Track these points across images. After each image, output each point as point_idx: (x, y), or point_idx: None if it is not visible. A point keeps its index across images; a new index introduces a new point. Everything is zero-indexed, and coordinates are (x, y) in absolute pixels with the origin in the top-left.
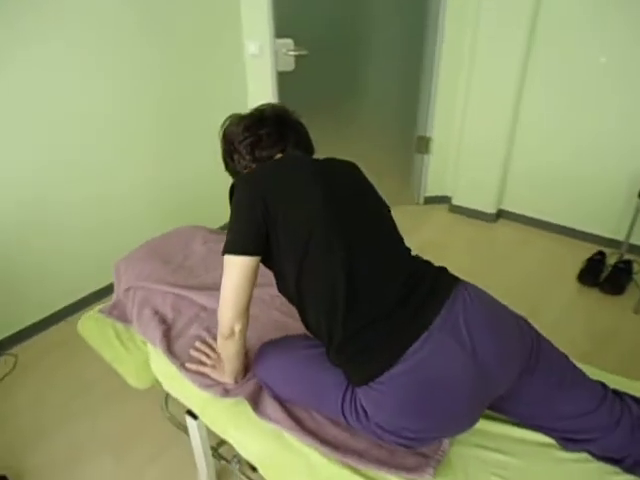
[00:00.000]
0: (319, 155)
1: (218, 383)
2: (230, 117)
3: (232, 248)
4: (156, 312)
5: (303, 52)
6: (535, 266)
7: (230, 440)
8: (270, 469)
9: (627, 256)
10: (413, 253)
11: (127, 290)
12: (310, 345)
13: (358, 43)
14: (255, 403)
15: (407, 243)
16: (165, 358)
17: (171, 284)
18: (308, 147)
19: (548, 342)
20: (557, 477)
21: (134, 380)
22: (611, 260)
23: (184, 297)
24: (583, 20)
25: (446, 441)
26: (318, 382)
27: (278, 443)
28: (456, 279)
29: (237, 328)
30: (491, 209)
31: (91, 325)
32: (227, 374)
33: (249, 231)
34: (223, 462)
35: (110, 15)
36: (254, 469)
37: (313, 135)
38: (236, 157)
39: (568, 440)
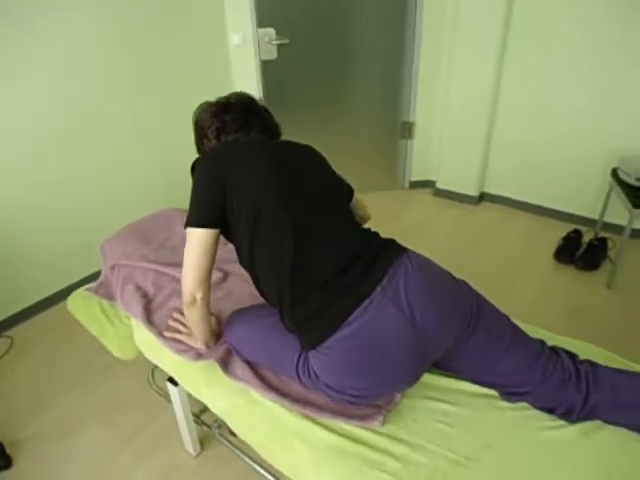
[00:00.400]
0: (309, 141)
1: (192, 348)
2: (201, 105)
3: (192, 221)
4: (138, 287)
5: (285, 41)
6: (514, 246)
7: (204, 401)
8: (238, 423)
9: (602, 234)
10: (390, 236)
11: (112, 268)
12: (274, 313)
13: (339, 31)
14: (225, 365)
15: (392, 227)
16: (145, 328)
17: (152, 261)
18: (274, 133)
19: (490, 305)
20: (496, 422)
21: (118, 352)
22: (587, 238)
23: (165, 274)
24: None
25: (398, 394)
26: (277, 347)
27: (245, 399)
28: (402, 249)
29: (198, 296)
30: (473, 192)
31: (78, 303)
32: (198, 340)
33: (206, 205)
34: (205, 428)
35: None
36: (233, 434)
37: (296, 122)
38: (205, 142)
39: (509, 393)
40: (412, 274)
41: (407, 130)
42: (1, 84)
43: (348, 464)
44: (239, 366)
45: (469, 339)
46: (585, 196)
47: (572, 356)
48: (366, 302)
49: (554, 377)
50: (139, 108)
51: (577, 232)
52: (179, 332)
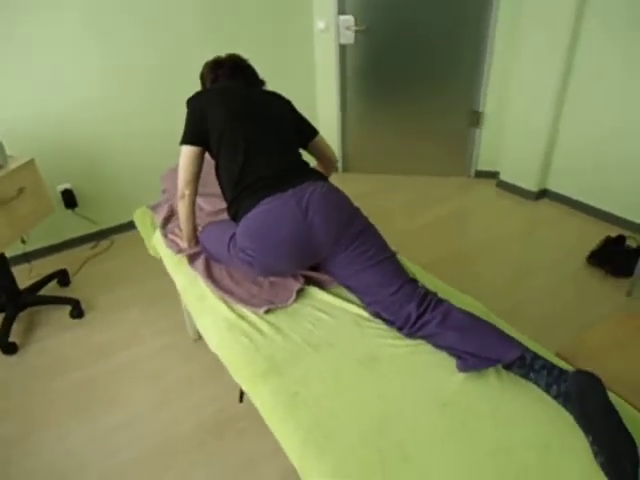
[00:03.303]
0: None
1: (178, 246)
2: (205, 63)
3: (182, 140)
4: (170, 206)
5: (362, 27)
6: (553, 243)
7: (174, 279)
8: (185, 293)
9: None
10: (439, 216)
11: (163, 191)
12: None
13: (416, 20)
14: (191, 259)
15: (442, 208)
16: (159, 231)
17: None
18: (256, 85)
19: (379, 237)
20: (347, 332)
21: (150, 249)
22: (633, 244)
23: None
24: None
25: (291, 299)
26: (222, 233)
27: (192, 283)
28: (323, 178)
29: (186, 192)
30: (533, 187)
31: (139, 214)
32: (184, 237)
33: (190, 128)
34: None
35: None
36: None
37: (369, 101)
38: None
39: (367, 303)
40: (319, 192)
41: (476, 119)
42: None
43: (230, 329)
44: (200, 262)
45: (345, 249)
46: None
47: (430, 291)
48: (277, 195)
49: (403, 295)
50: None
51: (620, 237)
52: (177, 236)
